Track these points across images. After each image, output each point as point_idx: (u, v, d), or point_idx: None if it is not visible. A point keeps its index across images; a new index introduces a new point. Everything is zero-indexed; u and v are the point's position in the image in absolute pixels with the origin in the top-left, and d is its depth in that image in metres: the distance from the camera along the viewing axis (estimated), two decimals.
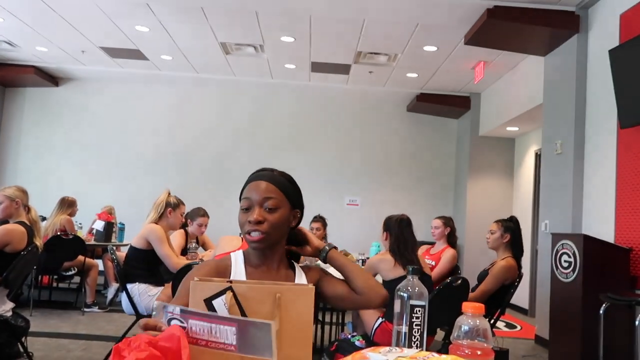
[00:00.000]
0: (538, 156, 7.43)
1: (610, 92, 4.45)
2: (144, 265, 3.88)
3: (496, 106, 7.72)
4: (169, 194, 4.12)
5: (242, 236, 1.79)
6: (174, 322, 1.06)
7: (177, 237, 5.05)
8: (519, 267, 3.98)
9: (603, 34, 4.86)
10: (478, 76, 7.19)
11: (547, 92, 5.72)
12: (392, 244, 3.46)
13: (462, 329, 1.11)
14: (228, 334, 1.04)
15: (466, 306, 1.13)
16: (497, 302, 3.83)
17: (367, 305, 1.69)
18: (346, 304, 1.69)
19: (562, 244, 4.45)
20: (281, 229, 1.58)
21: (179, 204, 4.10)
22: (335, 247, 1.73)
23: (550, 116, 5.60)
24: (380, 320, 3.36)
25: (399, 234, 3.45)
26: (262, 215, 1.53)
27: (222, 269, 1.59)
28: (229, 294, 1.17)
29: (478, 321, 1.12)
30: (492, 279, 3.84)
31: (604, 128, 4.77)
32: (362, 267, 3.90)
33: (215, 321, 1.05)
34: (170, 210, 4.04)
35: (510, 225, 4.03)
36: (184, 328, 1.06)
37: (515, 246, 4.00)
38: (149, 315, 3.79)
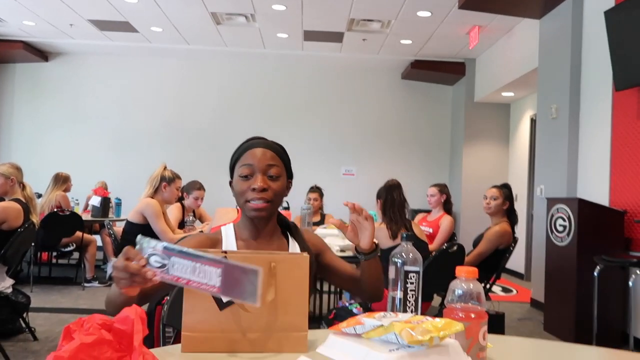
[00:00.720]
0: (533, 121, 7.42)
1: (606, 54, 4.41)
2: None
3: (491, 72, 7.66)
4: (165, 167, 4.11)
5: (237, 207, 1.75)
6: (153, 257, 1.05)
7: (174, 211, 5.06)
8: (514, 233, 4.02)
9: None
10: (473, 41, 7.11)
11: (542, 56, 5.67)
12: (382, 207, 3.53)
13: (456, 293, 1.12)
14: (212, 275, 1.04)
15: (460, 270, 1.14)
16: (493, 267, 3.88)
17: (361, 297, 1.68)
18: (341, 283, 1.70)
19: (557, 208, 4.48)
20: (281, 198, 1.55)
21: (174, 178, 4.08)
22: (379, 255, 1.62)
23: (546, 80, 5.56)
24: None
25: (387, 197, 3.53)
26: (266, 183, 1.48)
27: (212, 243, 1.54)
28: None
29: (471, 285, 1.13)
30: (487, 242, 3.88)
31: (599, 91, 4.74)
32: None
33: (200, 261, 1.04)
34: (165, 184, 4.03)
35: (508, 193, 4.06)
36: (164, 266, 1.04)
37: (511, 213, 4.03)
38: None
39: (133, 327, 0.89)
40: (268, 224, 1.57)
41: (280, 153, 1.56)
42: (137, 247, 1.08)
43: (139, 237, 1.09)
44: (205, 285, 1.05)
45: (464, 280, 1.13)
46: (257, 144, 1.55)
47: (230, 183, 1.58)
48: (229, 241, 1.55)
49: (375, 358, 0.94)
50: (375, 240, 1.56)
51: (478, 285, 1.13)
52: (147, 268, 1.05)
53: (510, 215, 4.02)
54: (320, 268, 1.68)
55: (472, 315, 1.09)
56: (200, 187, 4.87)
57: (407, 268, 1.24)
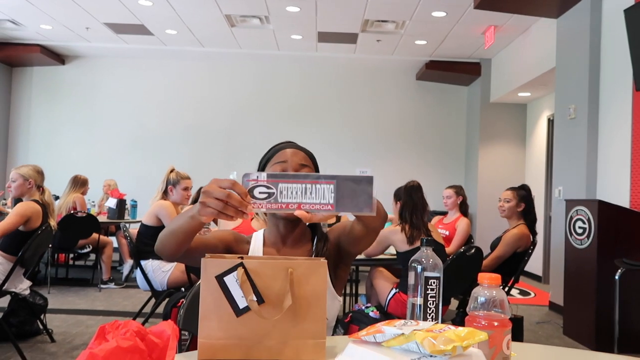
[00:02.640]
0: (551, 122, 7.32)
1: (626, 53, 4.33)
2: (156, 241, 3.90)
3: (507, 72, 7.58)
4: (172, 170, 4.09)
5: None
6: (257, 189, 1.04)
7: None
8: (533, 234, 3.95)
9: None
10: (488, 41, 7.04)
11: (560, 56, 5.59)
12: (400, 210, 3.43)
13: (479, 300, 1.09)
14: (325, 193, 1.04)
15: (482, 277, 1.11)
16: (511, 270, 3.82)
17: (365, 232, 1.49)
18: (354, 233, 1.51)
19: (577, 210, 4.40)
20: None
21: (178, 179, 4.05)
22: None
23: (563, 80, 5.48)
24: (394, 291, 3.36)
25: (408, 199, 3.41)
26: None
27: (238, 242, 1.56)
28: (240, 270, 1.15)
29: (495, 292, 1.09)
30: (505, 245, 3.82)
31: (618, 91, 4.66)
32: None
33: (311, 181, 1.03)
34: (170, 187, 4.03)
35: (524, 194, 3.99)
36: (270, 195, 1.03)
37: (528, 214, 3.97)
38: (164, 291, 3.83)
39: (168, 343, 0.89)
40: (295, 228, 1.55)
41: (311, 157, 1.60)
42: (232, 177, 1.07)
43: (233, 173, 1.12)
44: (319, 205, 1.04)
45: (487, 287, 1.10)
46: (289, 146, 1.57)
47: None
48: (257, 245, 1.56)
49: None
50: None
51: (501, 292, 1.10)
52: (249, 199, 1.05)
53: (527, 217, 3.96)
54: (344, 250, 1.57)
55: (495, 324, 1.06)
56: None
57: (427, 274, 1.20)
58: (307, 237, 1.59)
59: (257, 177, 1.04)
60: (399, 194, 3.54)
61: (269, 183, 1.04)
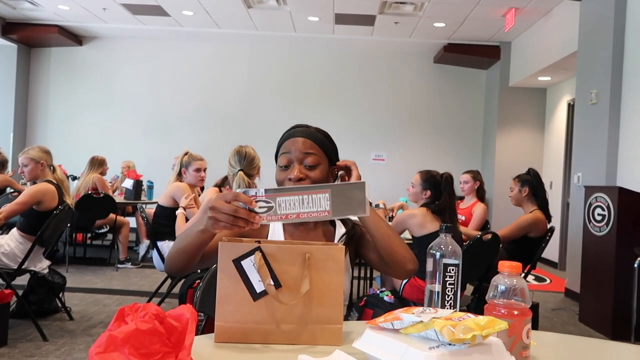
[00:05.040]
0: (571, 107, 7.19)
1: None
2: (172, 222, 3.92)
3: (527, 55, 7.44)
4: (186, 153, 4.09)
5: None
6: (258, 204, 1.12)
7: (209, 194, 5.06)
8: (548, 219, 3.91)
9: None
10: (509, 24, 6.91)
11: (583, 39, 5.46)
12: (438, 203, 3.27)
13: (499, 289, 1.08)
14: (321, 201, 1.14)
15: (502, 265, 1.09)
16: (528, 256, 3.79)
17: (388, 272, 1.55)
18: (373, 258, 1.58)
19: (596, 197, 4.34)
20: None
21: (190, 161, 4.04)
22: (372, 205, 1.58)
23: (586, 64, 5.37)
24: None
25: (445, 194, 3.26)
26: (302, 172, 1.48)
27: (254, 231, 1.52)
28: (257, 254, 1.15)
29: (515, 280, 1.08)
30: (516, 228, 3.81)
31: None
32: (390, 223, 3.88)
33: (306, 192, 1.13)
34: (184, 170, 4.04)
35: (527, 178, 3.94)
36: (270, 208, 1.12)
37: (537, 198, 3.91)
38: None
39: (187, 326, 0.90)
40: None
41: (320, 141, 1.54)
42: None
43: (235, 188, 1.20)
44: (316, 212, 1.14)
45: (507, 276, 1.08)
46: (296, 133, 1.54)
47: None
48: (276, 228, 1.55)
49: (414, 355, 0.91)
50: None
51: (522, 281, 1.08)
52: (255, 204, 1.12)
53: (537, 201, 3.90)
54: (360, 246, 1.61)
55: (515, 312, 1.05)
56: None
57: (446, 261, 1.19)
58: (326, 222, 1.59)
59: (256, 192, 1.12)
60: (432, 183, 3.31)
61: (267, 198, 1.12)
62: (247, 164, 3.16)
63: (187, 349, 0.87)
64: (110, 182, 7.25)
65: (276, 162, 1.56)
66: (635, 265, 3.73)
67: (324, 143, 1.55)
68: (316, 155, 1.50)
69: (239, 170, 3.12)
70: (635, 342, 3.88)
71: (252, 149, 3.25)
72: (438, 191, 3.30)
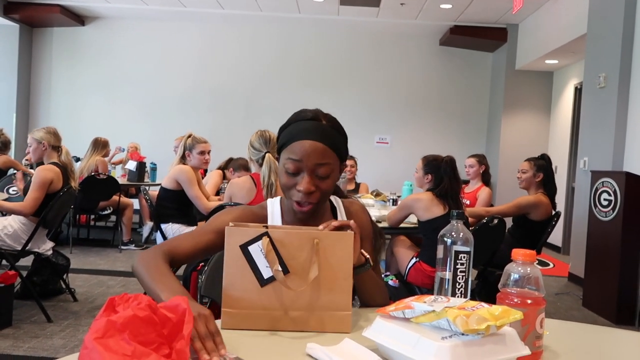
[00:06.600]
0: (578, 90, 7.11)
1: None
2: (176, 205, 3.91)
3: (535, 38, 7.34)
4: (189, 136, 4.04)
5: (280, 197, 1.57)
6: None
7: (214, 177, 5.04)
8: (553, 205, 3.88)
9: None
10: (517, 5, 6.79)
11: (592, 22, 5.37)
12: (439, 187, 3.24)
13: (512, 277, 1.05)
14: None
15: (516, 253, 1.07)
16: (534, 240, 3.77)
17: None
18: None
19: (602, 182, 4.31)
20: (331, 192, 1.39)
21: (194, 144, 3.99)
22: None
23: (594, 48, 5.28)
24: (414, 260, 3.34)
25: (446, 177, 3.24)
26: (314, 185, 1.31)
27: (255, 217, 1.41)
28: (265, 239, 1.13)
29: (529, 269, 1.06)
30: (514, 206, 3.82)
31: None
32: (394, 207, 3.85)
33: None
34: (187, 153, 4.00)
35: (543, 164, 3.91)
36: None
37: (548, 185, 3.89)
38: None
39: (183, 317, 0.88)
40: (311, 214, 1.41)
41: (334, 142, 1.35)
42: None
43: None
44: None
45: (521, 264, 1.06)
46: (307, 134, 1.32)
47: (278, 159, 1.43)
48: (275, 217, 1.43)
49: (426, 345, 0.89)
50: (364, 253, 1.32)
51: (536, 269, 1.06)
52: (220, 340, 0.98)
53: (547, 187, 3.89)
54: None
55: (529, 302, 1.03)
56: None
57: (457, 248, 1.16)
58: (326, 211, 1.46)
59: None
60: (435, 167, 3.28)
61: None
62: (272, 146, 3.17)
63: (185, 338, 0.85)
64: (113, 166, 7.22)
65: (278, 153, 1.40)
66: None
67: (337, 143, 1.36)
68: (330, 164, 1.33)
69: (265, 153, 3.13)
70: (639, 327, 3.88)
71: (272, 132, 3.26)
72: (439, 175, 3.28)
